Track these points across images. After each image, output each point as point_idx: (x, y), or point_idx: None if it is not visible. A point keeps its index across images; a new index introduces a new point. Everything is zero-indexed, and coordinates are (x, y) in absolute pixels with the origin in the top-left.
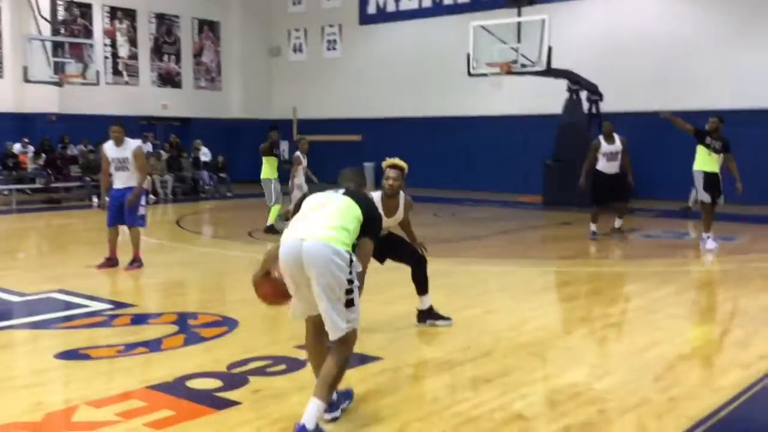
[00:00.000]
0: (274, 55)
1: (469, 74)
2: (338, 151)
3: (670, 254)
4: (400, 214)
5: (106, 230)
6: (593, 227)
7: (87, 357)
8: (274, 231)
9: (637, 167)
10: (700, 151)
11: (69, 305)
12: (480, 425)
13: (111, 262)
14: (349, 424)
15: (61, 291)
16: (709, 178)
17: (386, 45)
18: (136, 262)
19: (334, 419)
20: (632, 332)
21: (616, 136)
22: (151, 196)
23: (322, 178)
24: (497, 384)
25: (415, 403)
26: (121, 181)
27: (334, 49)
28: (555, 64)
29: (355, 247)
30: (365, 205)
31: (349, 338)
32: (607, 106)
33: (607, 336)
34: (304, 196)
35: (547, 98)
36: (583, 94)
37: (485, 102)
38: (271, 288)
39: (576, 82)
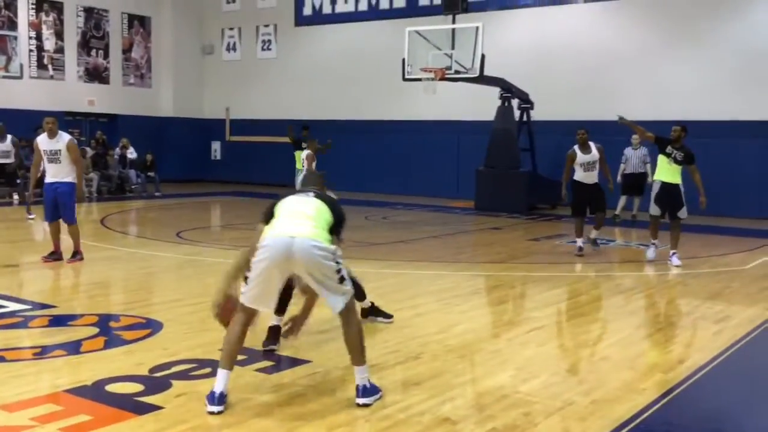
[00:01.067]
0: (207, 53)
1: (404, 79)
2: (271, 153)
3: (596, 261)
4: None
5: (47, 225)
6: (579, 242)
7: (1, 359)
8: None
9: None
10: (660, 160)
11: None
12: (408, 428)
13: (56, 255)
14: (274, 430)
15: None
16: (665, 189)
17: (322, 47)
18: (78, 255)
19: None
20: (557, 335)
21: (592, 145)
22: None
23: (254, 179)
24: (426, 387)
25: (343, 406)
26: (52, 174)
27: (269, 49)
28: (488, 72)
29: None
30: (334, 207)
31: (350, 306)
32: (537, 114)
33: (533, 339)
34: (278, 200)
35: (481, 105)
36: (515, 102)
37: (419, 107)
38: (232, 308)
39: (508, 89)
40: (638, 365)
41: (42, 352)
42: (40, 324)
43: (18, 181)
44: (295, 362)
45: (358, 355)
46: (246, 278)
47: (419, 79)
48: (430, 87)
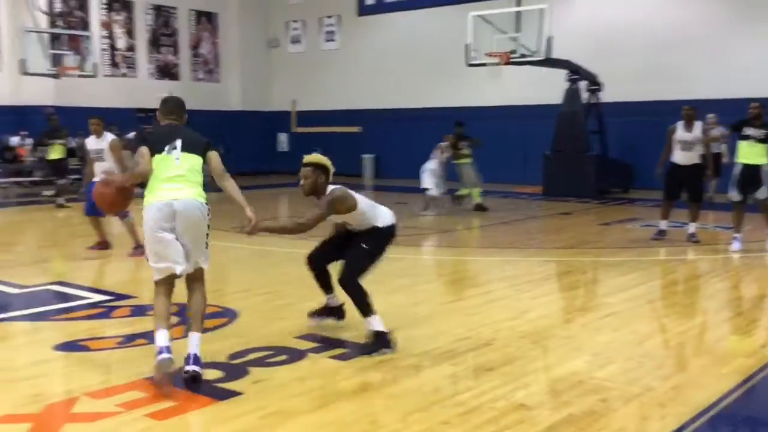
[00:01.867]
0: (273, 46)
1: (468, 64)
2: (337, 143)
3: (670, 244)
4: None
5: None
6: (662, 224)
7: (86, 349)
8: (482, 208)
9: (635, 156)
10: (740, 143)
11: (68, 297)
12: (482, 415)
13: (102, 245)
14: (352, 415)
15: (60, 283)
16: (747, 171)
17: (385, 36)
18: (139, 248)
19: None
20: (633, 321)
21: (698, 124)
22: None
23: None
24: (499, 373)
25: (417, 393)
26: (99, 172)
27: (333, 40)
28: (554, 54)
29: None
30: (201, 144)
31: (203, 276)
32: (606, 95)
33: (607, 325)
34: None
35: (547, 88)
36: (583, 84)
37: (484, 92)
38: (115, 197)
39: (575, 71)
40: (718, 350)
41: (125, 341)
42: (122, 314)
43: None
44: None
45: (199, 321)
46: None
47: (484, 65)
48: (494, 72)
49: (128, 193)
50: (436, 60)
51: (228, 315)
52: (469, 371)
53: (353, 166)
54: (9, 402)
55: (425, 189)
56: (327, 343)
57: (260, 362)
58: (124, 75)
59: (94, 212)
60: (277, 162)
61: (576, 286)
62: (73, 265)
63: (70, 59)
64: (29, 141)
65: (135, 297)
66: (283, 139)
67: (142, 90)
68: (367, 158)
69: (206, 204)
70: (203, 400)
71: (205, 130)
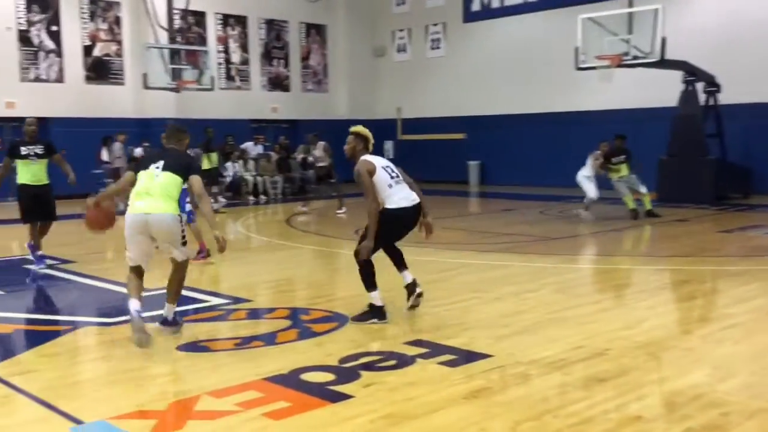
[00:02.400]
0: (379, 55)
1: (578, 68)
2: (442, 150)
3: None
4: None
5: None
6: None
7: (206, 349)
8: (653, 215)
9: (755, 161)
10: None
11: (188, 300)
12: (596, 426)
13: (202, 253)
14: (461, 422)
15: None
16: None
17: (491, 42)
18: (201, 253)
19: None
20: (756, 333)
21: None
22: (221, 199)
23: (424, 176)
24: (613, 384)
25: (526, 402)
26: None
27: (438, 48)
28: (669, 55)
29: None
30: (183, 166)
31: (185, 264)
32: (725, 97)
33: (729, 337)
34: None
35: (661, 90)
36: (700, 86)
37: (594, 96)
38: (95, 216)
39: (692, 73)
40: None
41: (242, 342)
42: (239, 317)
43: (332, 180)
44: (477, 356)
45: (172, 294)
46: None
47: (594, 68)
48: (605, 75)
49: (108, 212)
50: (544, 64)
51: (338, 320)
52: (581, 381)
53: (458, 173)
54: (137, 399)
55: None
56: (436, 349)
57: (370, 366)
58: (238, 87)
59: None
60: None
61: (694, 296)
62: (192, 270)
63: (188, 73)
64: None
65: (251, 301)
66: (388, 146)
67: (256, 101)
68: (473, 164)
69: (176, 215)
70: (316, 402)
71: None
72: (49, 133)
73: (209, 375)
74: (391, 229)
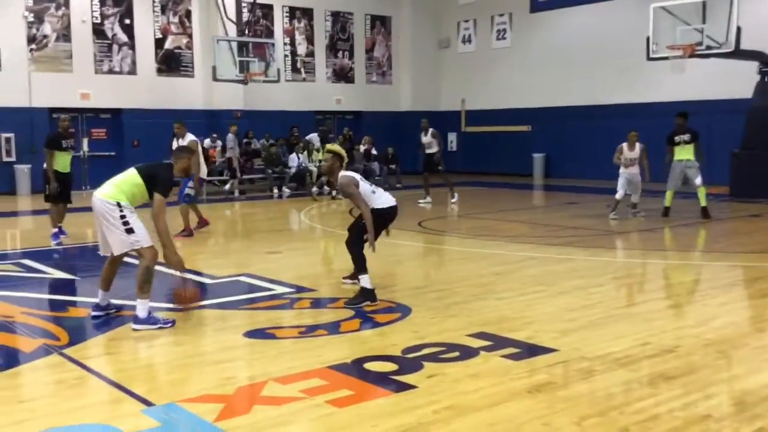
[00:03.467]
0: (444, 47)
1: (649, 58)
2: (506, 142)
3: None
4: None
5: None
6: None
7: (272, 336)
8: (706, 215)
9: None
10: None
11: (254, 288)
12: (664, 424)
13: (185, 231)
14: (525, 415)
15: (247, 275)
16: None
17: (558, 32)
18: (184, 232)
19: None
20: None
21: None
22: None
23: (488, 169)
24: (681, 382)
25: (591, 397)
26: None
27: (504, 38)
28: (744, 45)
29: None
30: (146, 173)
31: (143, 253)
32: None
33: None
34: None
35: (735, 82)
36: None
37: (665, 87)
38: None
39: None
40: None
41: (306, 331)
42: (303, 306)
43: (440, 168)
44: (542, 350)
45: (137, 289)
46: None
47: (666, 58)
48: (677, 66)
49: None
50: (612, 55)
51: (401, 311)
52: (649, 378)
53: (523, 166)
54: (205, 383)
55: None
56: (499, 342)
57: (433, 357)
58: (304, 79)
59: (181, 200)
60: (446, 162)
61: (767, 294)
62: (258, 259)
63: (256, 65)
64: (219, 143)
65: (315, 290)
66: (452, 138)
67: (320, 93)
68: (537, 157)
69: (111, 200)
70: (380, 391)
71: (377, 131)
72: (121, 124)
73: (275, 362)
74: (379, 224)
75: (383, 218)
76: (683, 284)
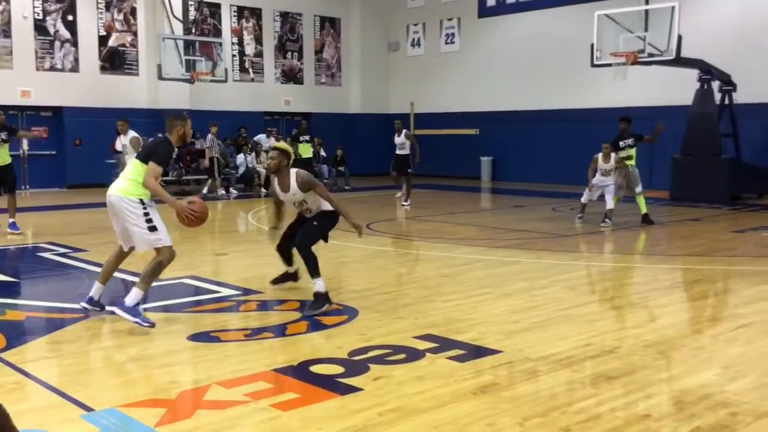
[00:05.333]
0: (393, 50)
1: (593, 65)
2: (454, 145)
3: None
4: (294, 189)
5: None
6: None
7: (217, 339)
8: (648, 221)
9: None
10: None
11: (200, 290)
12: (604, 424)
13: None
14: (469, 417)
15: (192, 277)
16: None
17: (505, 37)
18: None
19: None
20: (767, 334)
21: None
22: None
23: (437, 171)
24: (622, 382)
25: (534, 398)
26: (127, 164)
27: (453, 42)
28: (685, 53)
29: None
30: (145, 153)
31: (161, 251)
32: (740, 96)
33: (740, 337)
34: None
35: (676, 89)
36: (715, 84)
37: (609, 94)
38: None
39: (708, 71)
40: None
41: (252, 333)
42: (249, 308)
43: (409, 171)
44: (486, 352)
45: (140, 279)
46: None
47: (609, 65)
48: (620, 72)
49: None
50: (558, 61)
51: (348, 313)
52: (590, 379)
53: (470, 169)
54: (147, 388)
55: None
56: (445, 344)
57: (380, 360)
58: (252, 80)
59: None
60: (395, 163)
61: (706, 296)
62: (204, 261)
63: (202, 65)
64: None
65: (261, 293)
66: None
67: (269, 94)
68: (485, 160)
69: (130, 196)
70: (325, 393)
71: (325, 133)
72: (62, 123)
73: (219, 365)
74: (331, 227)
75: (332, 221)
76: (625, 286)
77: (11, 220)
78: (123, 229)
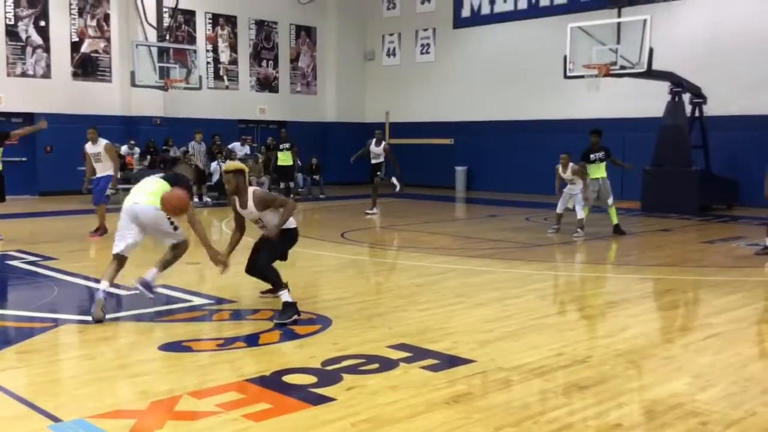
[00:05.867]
0: (369, 59)
1: (566, 76)
2: (429, 155)
3: None
4: (251, 207)
5: (96, 208)
6: None
7: (189, 349)
8: (620, 232)
9: (739, 172)
10: None
11: (172, 299)
12: None
13: (100, 231)
14: (443, 426)
15: (164, 286)
16: None
17: (480, 48)
18: (99, 231)
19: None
20: (737, 343)
21: None
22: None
23: (411, 180)
24: (593, 392)
25: (507, 408)
26: (98, 170)
27: (428, 53)
28: (656, 66)
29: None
30: (172, 179)
31: (180, 245)
32: (710, 109)
33: (710, 346)
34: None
35: (647, 101)
36: (686, 97)
37: (582, 105)
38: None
39: (679, 84)
40: None
41: (225, 343)
42: (222, 317)
43: (378, 176)
44: (460, 361)
45: (159, 263)
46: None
47: (582, 76)
48: (593, 84)
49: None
50: (532, 72)
51: (321, 322)
52: (562, 388)
53: (445, 178)
54: (116, 398)
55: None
56: (419, 354)
57: (353, 369)
58: (227, 87)
59: (100, 201)
60: (371, 173)
61: (676, 306)
62: (176, 269)
63: (176, 72)
64: (137, 150)
65: (235, 302)
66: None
67: (244, 102)
68: (459, 170)
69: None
70: (297, 404)
71: (301, 141)
72: None
73: (190, 375)
74: (288, 245)
75: (291, 239)
76: (597, 296)
77: None
78: (152, 231)
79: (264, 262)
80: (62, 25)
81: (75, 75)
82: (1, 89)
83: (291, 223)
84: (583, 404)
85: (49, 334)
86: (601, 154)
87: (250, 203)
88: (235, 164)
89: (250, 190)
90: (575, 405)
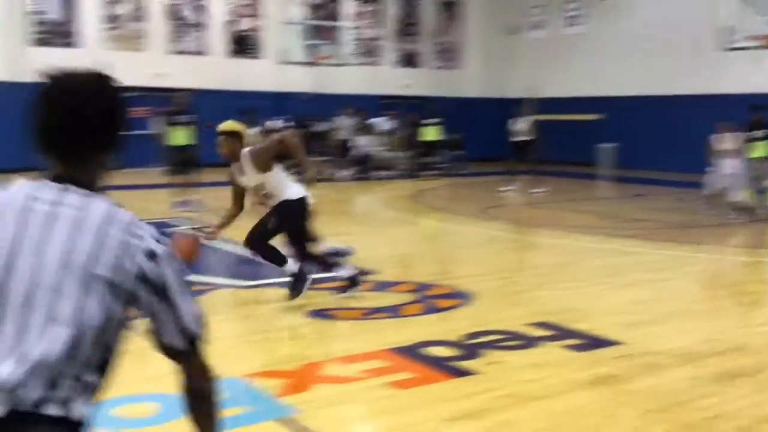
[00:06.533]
0: (513, 33)
1: (726, 48)
2: (576, 131)
3: None
4: (251, 171)
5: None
6: None
7: (334, 317)
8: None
9: None
10: None
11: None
12: (729, 422)
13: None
14: (587, 407)
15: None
16: None
17: (633, 19)
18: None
19: None
20: None
21: None
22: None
23: (557, 157)
24: (750, 381)
25: (654, 392)
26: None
27: (576, 24)
28: None
29: None
30: None
31: None
32: None
33: None
34: None
35: None
36: None
37: (744, 78)
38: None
39: None
40: None
41: (368, 313)
42: (366, 288)
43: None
44: (605, 342)
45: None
46: None
47: (745, 48)
48: (756, 57)
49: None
50: (689, 44)
51: (462, 297)
52: (714, 376)
53: (593, 155)
54: (268, 358)
55: None
56: (562, 333)
57: (494, 345)
58: (371, 63)
59: None
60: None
61: None
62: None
63: (324, 49)
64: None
65: (378, 273)
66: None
67: (387, 78)
68: (606, 147)
69: None
70: (440, 375)
71: (443, 117)
72: (193, 105)
73: (336, 342)
74: (291, 222)
75: (291, 216)
76: (754, 282)
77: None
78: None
79: (255, 241)
80: (219, 4)
81: (230, 52)
82: (164, 66)
83: (296, 192)
84: (738, 393)
85: (205, 297)
86: (760, 133)
87: (248, 167)
88: (229, 125)
89: (244, 151)
90: (728, 394)
